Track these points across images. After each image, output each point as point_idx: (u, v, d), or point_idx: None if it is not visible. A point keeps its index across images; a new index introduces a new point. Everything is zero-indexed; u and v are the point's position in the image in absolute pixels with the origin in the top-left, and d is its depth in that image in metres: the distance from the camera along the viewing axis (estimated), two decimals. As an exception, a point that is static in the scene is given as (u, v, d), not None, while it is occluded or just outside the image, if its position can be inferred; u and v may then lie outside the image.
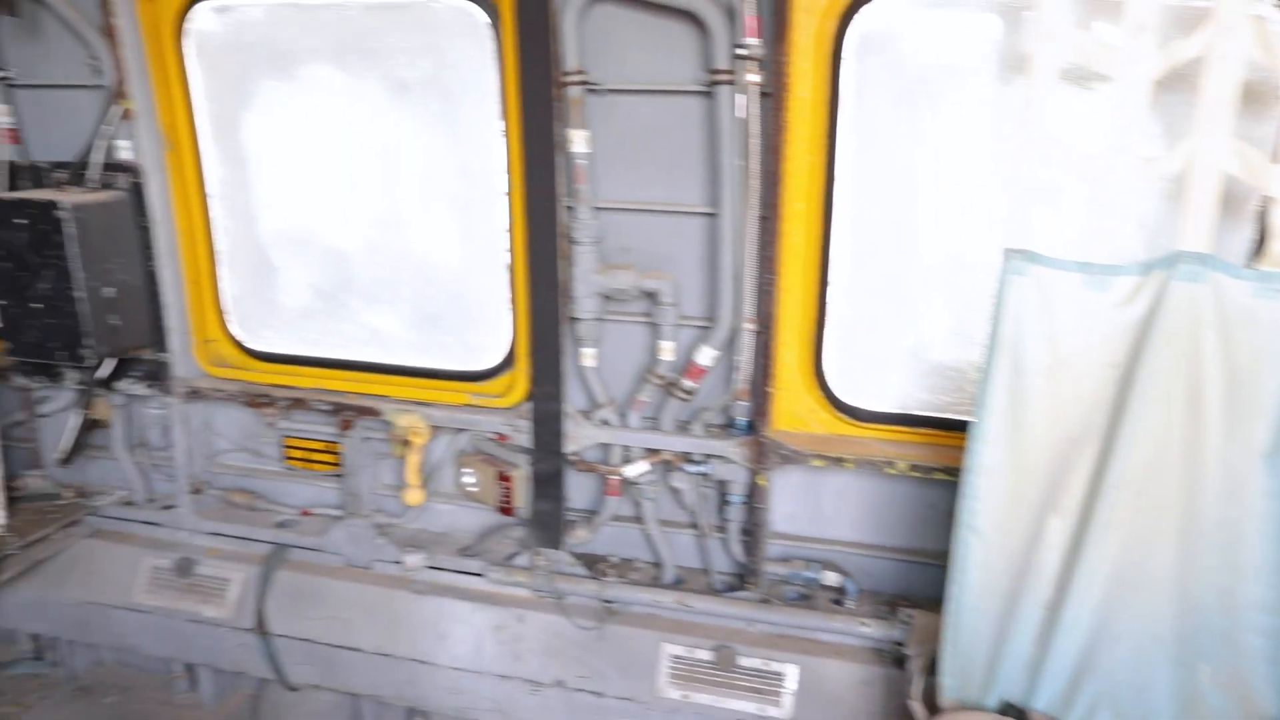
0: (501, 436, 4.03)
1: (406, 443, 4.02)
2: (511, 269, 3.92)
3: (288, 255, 4.28)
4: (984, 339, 2.81)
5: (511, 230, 3.87)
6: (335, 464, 4.38)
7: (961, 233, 3.46)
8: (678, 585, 4.01)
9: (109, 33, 3.91)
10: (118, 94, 4.00)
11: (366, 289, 4.21)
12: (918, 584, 3.81)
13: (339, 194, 4.11)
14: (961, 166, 3.39)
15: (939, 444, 3.58)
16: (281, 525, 4.42)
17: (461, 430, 4.11)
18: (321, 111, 4.01)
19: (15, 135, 4.26)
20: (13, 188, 4.20)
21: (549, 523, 4.00)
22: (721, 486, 3.86)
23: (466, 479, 4.13)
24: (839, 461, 3.59)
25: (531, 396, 3.89)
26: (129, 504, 4.66)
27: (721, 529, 3.94)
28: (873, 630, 3.65)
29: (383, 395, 4.14)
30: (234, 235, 4.32)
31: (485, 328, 4.07)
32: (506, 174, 3.80)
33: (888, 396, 3.72)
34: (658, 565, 4.08)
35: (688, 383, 3.74)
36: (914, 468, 3.52)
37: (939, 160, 3.42)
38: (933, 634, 3.25)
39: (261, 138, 4.14)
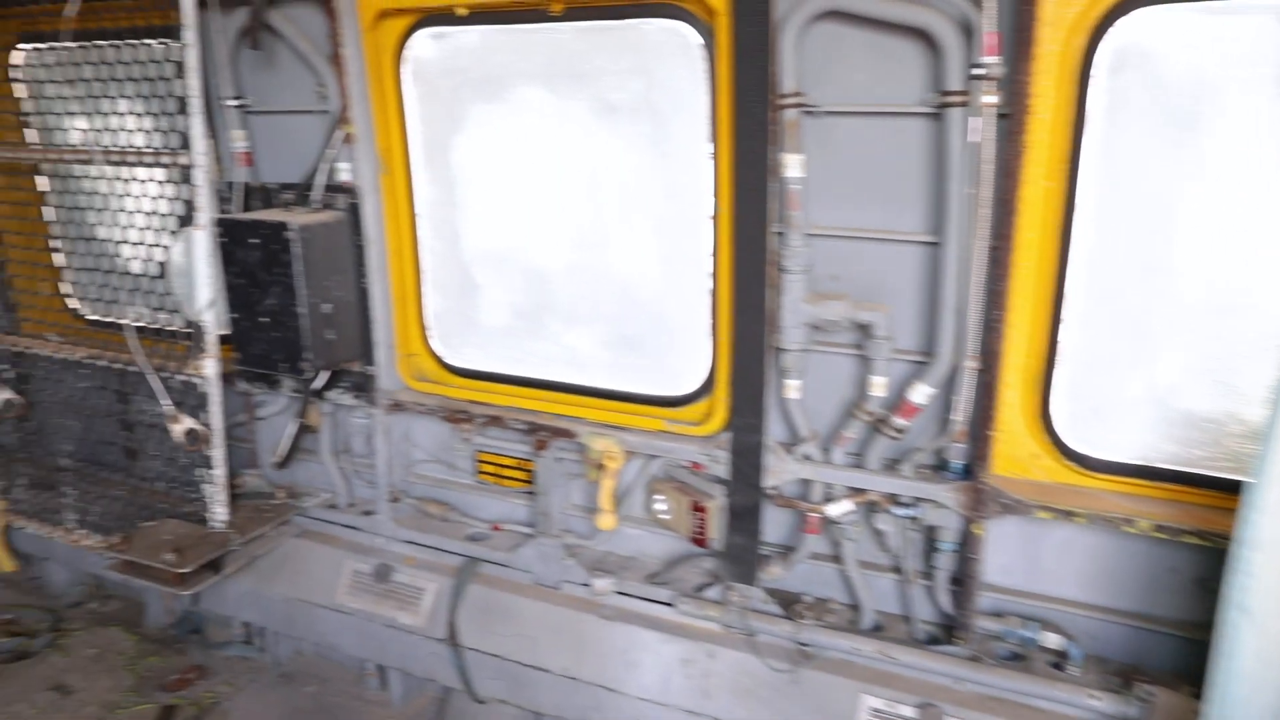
0: (696, 465, 3.94)
1: (601, 466, 4.00)
2: (714, 294, 3.82)
3: (490, 274, 4.36)
4: (1265, 392, 2.48)
5: (716, 255, 3.77)
6: (526, 481, 4.42)
7: (1228, 269, 3.08)
8: (876, 631, 3.80)
9: (336, 61, 4.09)
10: (341, 119, 4.18)
11: (565, 309, 4.22)
12: (1153, 655, 3.44)
13: (542, 214, 4.14)
14: (1233, 195, 3.01)
15: (1187, 502, 3.22)
16: (473, 539, 4.51)
17: (655, 456, 4.05)
18: (529, 133, 4.04)
19: (249, 158, 4.53)
20: (245, 208, 4.47)
21: (743, 557, 3.88)
22: (930, 532, 3.62)
23: (658, 505, 4.07)
24: (1069, 515, 3.28)
25: (730, 426, 3.78)
26: (332, 507, 4.89)
27: (928, 576, 3.69)
28: (1104, 705, 3.31)
29: (577, 417, 4.13)
30: (438, 254, 4.44)
31: (683, 352, 3.99)
32: (714, 197, 3.70)
33: (1124, 446, 3.37)
34: (855, 608, 3.88)
35: (899, 420, 3.53)
36: (1159, 528, 3.17)
37: (1205, 188, 3.05)
38: (1180, 718, 2.91)
39: (470, 159, 4.23)
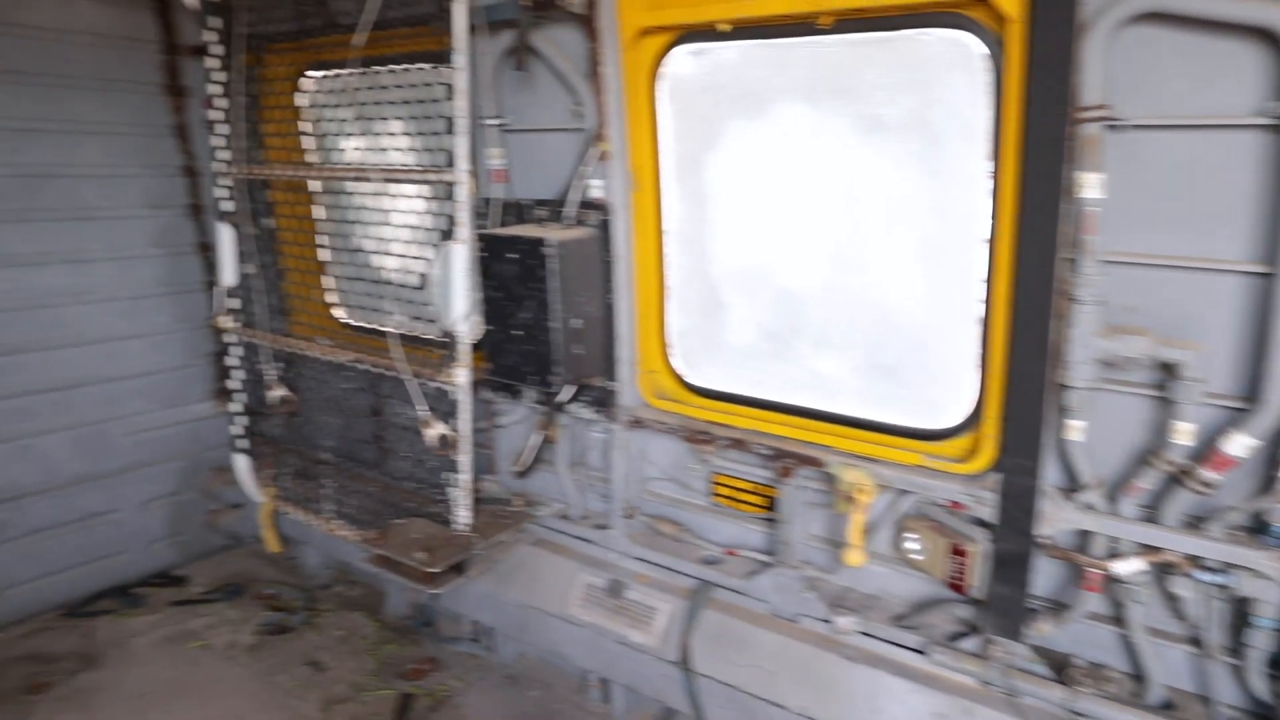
0: (956, 505, 3.66)
1: (850, 499, 3.80)
2: (985, 323, 3.54)
3: (737, 293, 4.28)
4: None
5: (990, 281, 3.48)
6: (764, 507, 4.30)
7: None
8: (1167, 710, 3.37)
9: (594, 80, 4.15)
10: (597, 136, 4.23)
11: (817, 332, 4.06)
12: None
13: (797, 233, 4.01)
14: None
15: None
16: (707, 561, 4.44)
17: (908, 492, 3.80)
18: (786, 150, 3.92)
19: (505, 175, 4.69)
20: (501, 224, 4.63)
21: (1008, 609, 3.56)
22: (1243, 604, 3.16)
23: (909, 544, 3.82)
24: None
25: (1000, 466, 3.48)
26: (565, 518, 4.98)
27: (1236, 654, 3.23)
28: None
29: (826, 445, 3.96)
30: (685, 271, 4.41)
31: (945, 384, 3.73)
32: (991, 219, 3.42)
33: None
34: (1139, 679, 3.46)
35: (1208, 474, 3.10)
36: None
37: None
38: None
39: (723, 176, 4.16)
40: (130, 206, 5.99)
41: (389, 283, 4.99)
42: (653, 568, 4.61)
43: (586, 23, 4.12)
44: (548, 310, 4.12)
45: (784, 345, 4.17)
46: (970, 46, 3.37)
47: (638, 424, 4.53)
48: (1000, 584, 3.56)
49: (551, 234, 4.15)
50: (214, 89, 5.32)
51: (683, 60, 4.11)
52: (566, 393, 4.51)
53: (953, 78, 3.45)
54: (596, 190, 4.35)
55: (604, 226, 4.33)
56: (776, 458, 4.06)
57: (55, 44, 5.48)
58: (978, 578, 3.61)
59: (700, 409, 4.42)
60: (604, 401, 4.58)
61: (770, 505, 4.27)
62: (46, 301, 5.65)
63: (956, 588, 3.67)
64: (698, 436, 4.32)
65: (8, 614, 5.70)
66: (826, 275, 3.99)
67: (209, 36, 5.29)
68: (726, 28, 3.82)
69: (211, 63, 5.31)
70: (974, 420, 3.65)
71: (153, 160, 6.06)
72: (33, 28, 5.36)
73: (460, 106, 4.20)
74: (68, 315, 5.75)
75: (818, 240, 3.97)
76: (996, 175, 3.37)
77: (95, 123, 5.75)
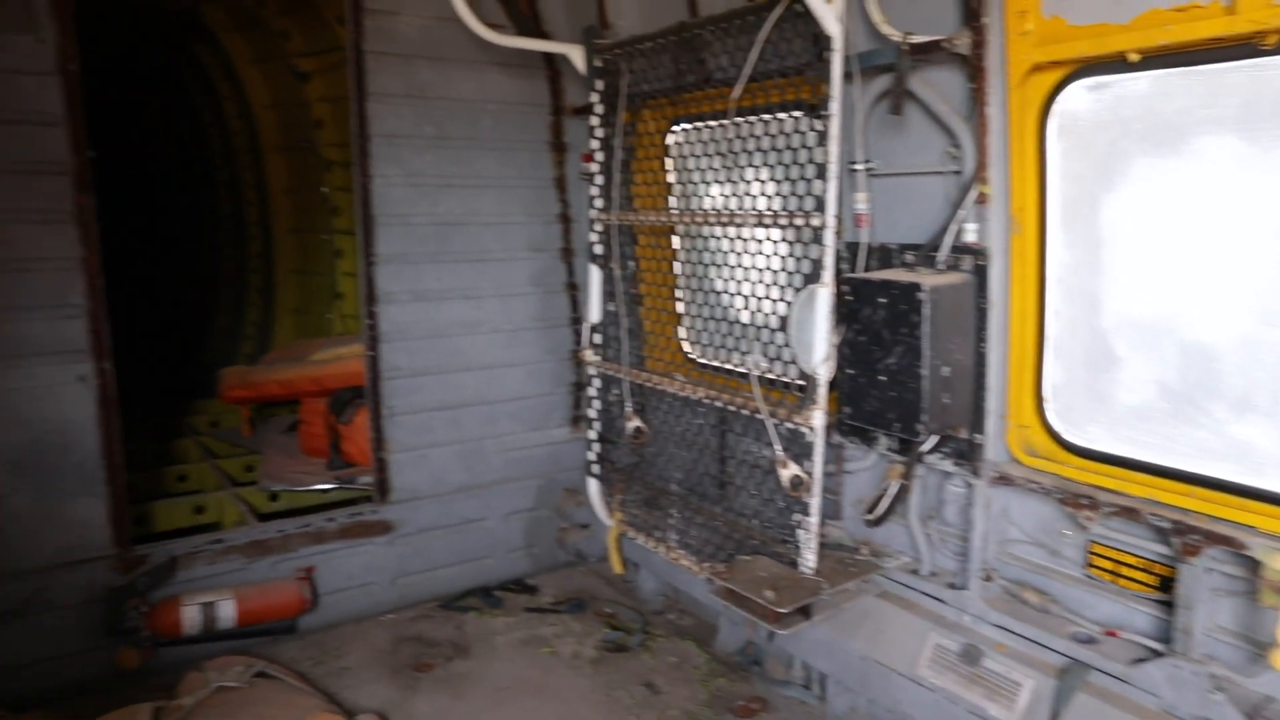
0: None
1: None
2: None
3: (1133, 346, 3.88)
4: None
5: None
6: (1155, 587, 3.82)
7: None
8: None
9: (979, 120, 4.01)
10: (978, 178, 4.08)
11: (1237, 394, 3.56)
12: None
13: (1213, 282, 3.56)
14: None
15: None
16: (1079, 639, 4.02)
17: (1363, 590, 3.18)
18: (1207, 189, 3.51)
19: (867, 220, 4.68)
20: (865, 268, 4.62)
21: None
22: None
23: (1362, 654, 3.19)
24: None
25: None
26: (913, 572, 4.78)
27: None
28: None
29: (1246, 525, 3.43)
30: (1068, 321, 4.09)
31: None
32: None
33: None
34: None
35: None
36: None
37: None
38: None
39: (1122, 219, 3.82)
40: (516, 250, 6.79)
41: (745, 324, 5.15)
42: (1013, 637, 4.26)
43: (971, 63, 4.02)
44: (918, 357, 4.01)
45: (1191, 406, 3.69)
46: None
47: (1003, 480, 4.24)
48: None
49: (925, 279, 4.05)
50: (594, 144, 5.90)
51: (1077, 96, 3.85)
52: (930, 442, 4.34)
53: None
54: (971, 234, 4.19)
55: (979, 271, 4.15)
56: (1177, 532, 3.59)
57: (471, 112, 6.41)
58: None
59: (1079, 470, 4.04)
60: (966, 454, 4.36)
61: (1163, 585, 3.78)
62: (448, 331, 6.55)
63: None
64: (1076, 500, 3.95)
65: (399, 599, 6.60)
66: (1251, 329, 3.48)
67: (593, 97, 5.88)
68: (1136, 57, 3.52)
69: (593, 120, 5.89)
70: None
71: (536, 209, 6.84)
72: (458, 100, 6.33)
73: (832, 152, 4.26)
74: (463, 344, 6.63)
75: (1240, 290, 3.50)
76: None
77: (494, 177, 6.62)
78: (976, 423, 4.26)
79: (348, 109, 6.18)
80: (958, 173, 4.24)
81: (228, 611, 5.70)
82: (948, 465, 4.45)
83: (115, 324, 5.40)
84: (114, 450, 5.45)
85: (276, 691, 4.99)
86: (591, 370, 6.16)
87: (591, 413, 6.23)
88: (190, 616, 5.60)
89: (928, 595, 4.68)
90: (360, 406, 6.98)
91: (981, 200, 4.09)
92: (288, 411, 8.68)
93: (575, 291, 7.09)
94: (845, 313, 4.37)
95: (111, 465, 5.44)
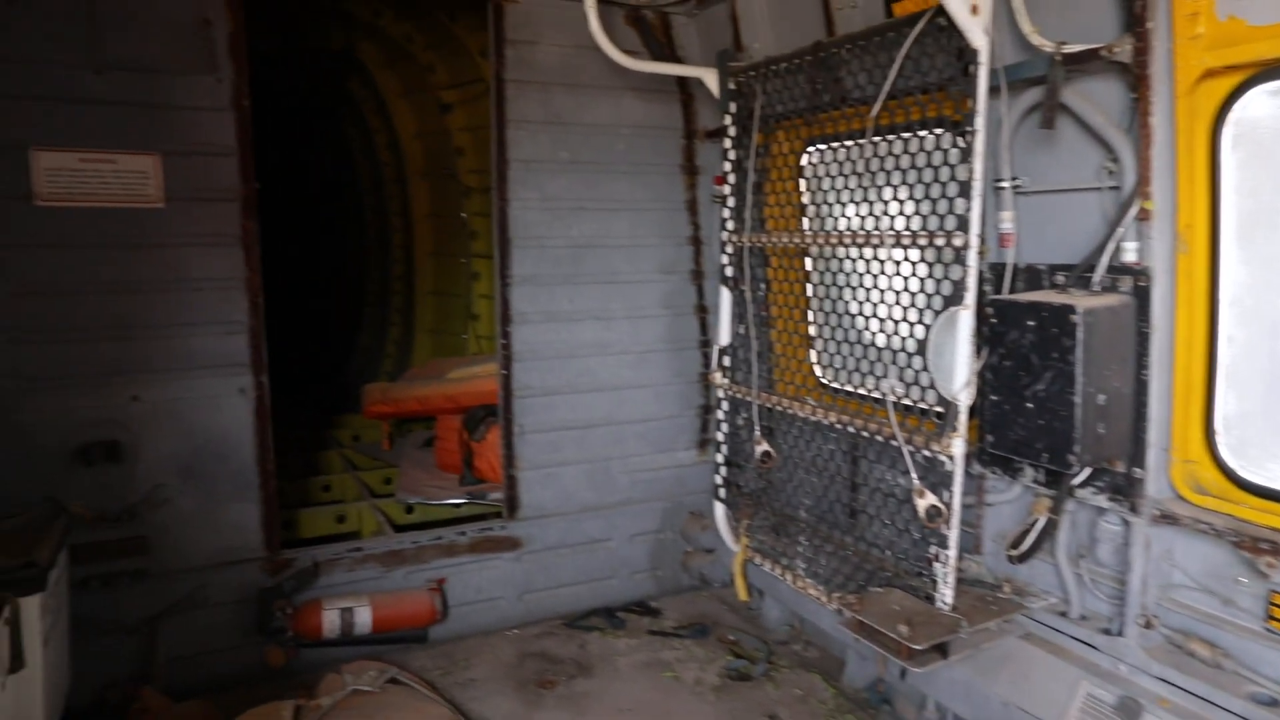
0: None
1: None
2: None
3: (1322, 376, 3.53)
4: None
5: None
6: (1349, 645, 3.42)
7: None
8: None
9: (1142, 131, 3.76)
10: (1139, 193, 3.82)
11: None
12: None
13: None
14: None
15: None
16: (1259, 701, 3.64)
17: None
18: None
19: (1011, 239, 4.46)
20: (1011, 289, 4.39)
21: None
22: None
23: None
24: None
25: None
26: (1060, 614, 4.46)
27: None
28: None
29: None
30: (1245, 346, 3.75)
31: None
32: None
33: None
34: None
35: None
36: None
37: None
38: None
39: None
40: (646, 272, 6.85)
41: (880, 347, 4.98)
42: (1178, 692, 3.90)
43: (1133, 71, 3.77)
44: (1071, 383, 3.76)
45: (1396, 443, 3.31)
46: None
47: (1167, 519, 3.91)
48: None
49: (1079, 300, 3.81)
50: (727, 166, 5.89)
51: (1259, 102, 3.55)
52: (1082, 474, 4.06)
53: None
54: (1130, 253, 3.91)
55: (1139, 293, 3.87)
56: (1379, 585, 3.21)
57: (605, 136, 6.55)
58: None
59: (1258, 511, 3.67)
60: (1123, 489, 4.05)
61: (1361, 645, 3.39)
62: (579, 352, 6.66)
63: None
64: (1254, 544, 3.59)
65: (525, 615, 6.70)
66: None
67: (726, 120, 5.88)
68: (1331, 58, 3.23)
69: (726, 143, 5.88)
70: None
71: (667, 232, 6.89)
72: (593, 125, 6.47)
73: (977, 169, 4.09)
74: (593, 364, 6.72)
75: None
76: None
77: (626, 200, 6.71)
78: (1136, 456, 3.96)
79: (487, 137, 6.42)
80: (1115, 188, 3.98)
81: (364, 618, 5.93)
82: (1101, 500, 4.15)
83: (270, 341, 5.76)
84: (267, 459, 5.79)
85: (407, 698, 5.15)
86: (720, 393, 6.11)
87: (719, 436, 6.17)
88: (330, 620, 5.85)
89: (1078, 640, 4.35)
90: (493, 424, 7.17)
91: (1143, 217, 3.82)
92: (424, 427, 9.03)
93: (705, 314, 7.08)
94: (989, 336, 4.16)
95: (264, 473, 5.78)
